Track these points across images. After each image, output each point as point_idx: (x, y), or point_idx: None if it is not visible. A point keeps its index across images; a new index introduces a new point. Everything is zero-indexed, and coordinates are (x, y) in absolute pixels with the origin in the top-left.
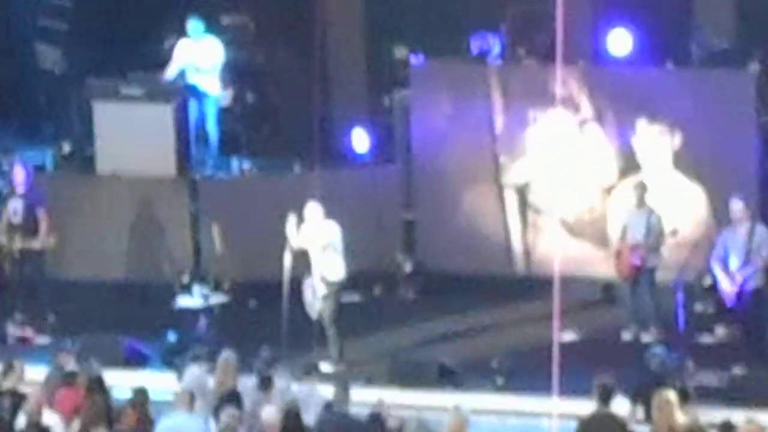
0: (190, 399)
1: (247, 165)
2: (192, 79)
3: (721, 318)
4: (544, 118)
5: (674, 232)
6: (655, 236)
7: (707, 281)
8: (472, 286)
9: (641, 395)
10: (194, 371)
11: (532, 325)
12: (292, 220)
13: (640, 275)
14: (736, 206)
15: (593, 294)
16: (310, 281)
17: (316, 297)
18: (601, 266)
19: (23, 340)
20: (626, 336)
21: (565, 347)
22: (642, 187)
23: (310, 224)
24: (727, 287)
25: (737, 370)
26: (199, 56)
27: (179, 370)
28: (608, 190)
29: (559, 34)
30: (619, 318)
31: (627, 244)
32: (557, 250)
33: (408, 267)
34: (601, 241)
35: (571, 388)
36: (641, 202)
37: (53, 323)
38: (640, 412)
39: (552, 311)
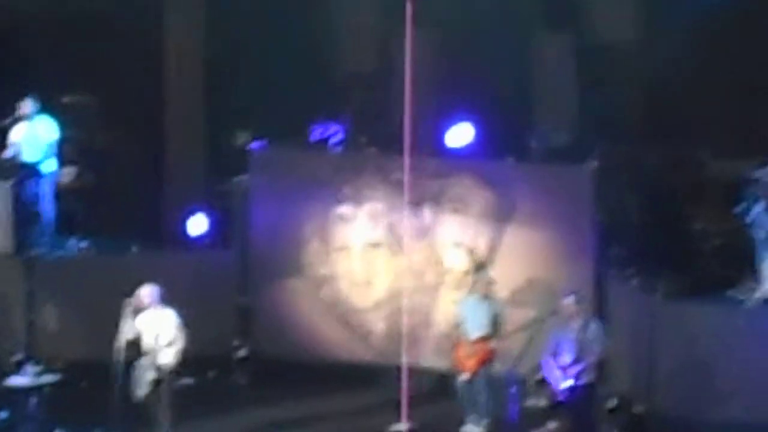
0: None
1: (84, 244)
2: (28, 158)
3: (552, 413)
4: (378, 208)
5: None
6: (500, 328)
7: (539, 375)
8: (306, 373)
9: None
10: None
11: (365, 414)
12: (128, 304)
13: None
14: (569, 302)
15: (428, 384)
16: (140, 363)
17: (144, 380)
18: (435, 357)
19: None
20: (466, 429)
21: None
22: (489, 281)
23: (145, 310)
24: (559, 382)
25: None
26: (34, 135)
27: None
28: (442, 281)
29: (407, 126)
30: (455, 409)
31: (469, 337)
32: (387, 340)
33: (242, 352)
34: (436, 333)
35: None
36: (487, 295)
37: None
38: None
39: (385, 400)
